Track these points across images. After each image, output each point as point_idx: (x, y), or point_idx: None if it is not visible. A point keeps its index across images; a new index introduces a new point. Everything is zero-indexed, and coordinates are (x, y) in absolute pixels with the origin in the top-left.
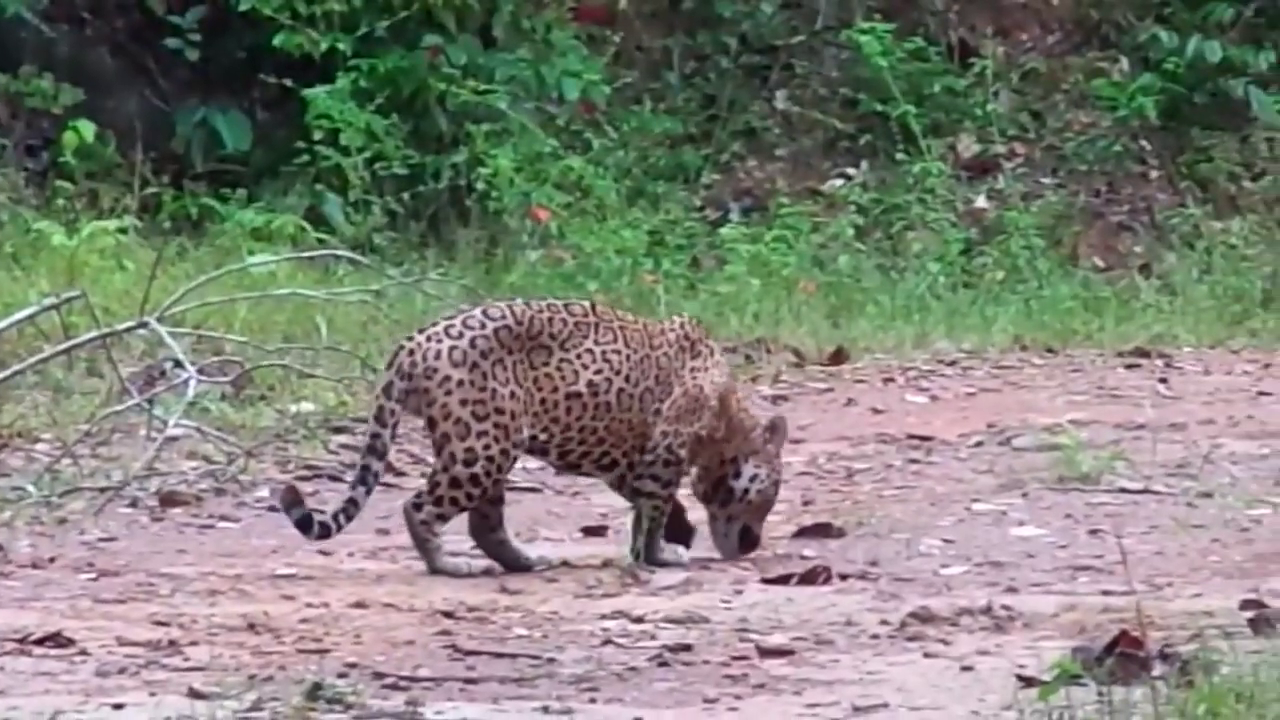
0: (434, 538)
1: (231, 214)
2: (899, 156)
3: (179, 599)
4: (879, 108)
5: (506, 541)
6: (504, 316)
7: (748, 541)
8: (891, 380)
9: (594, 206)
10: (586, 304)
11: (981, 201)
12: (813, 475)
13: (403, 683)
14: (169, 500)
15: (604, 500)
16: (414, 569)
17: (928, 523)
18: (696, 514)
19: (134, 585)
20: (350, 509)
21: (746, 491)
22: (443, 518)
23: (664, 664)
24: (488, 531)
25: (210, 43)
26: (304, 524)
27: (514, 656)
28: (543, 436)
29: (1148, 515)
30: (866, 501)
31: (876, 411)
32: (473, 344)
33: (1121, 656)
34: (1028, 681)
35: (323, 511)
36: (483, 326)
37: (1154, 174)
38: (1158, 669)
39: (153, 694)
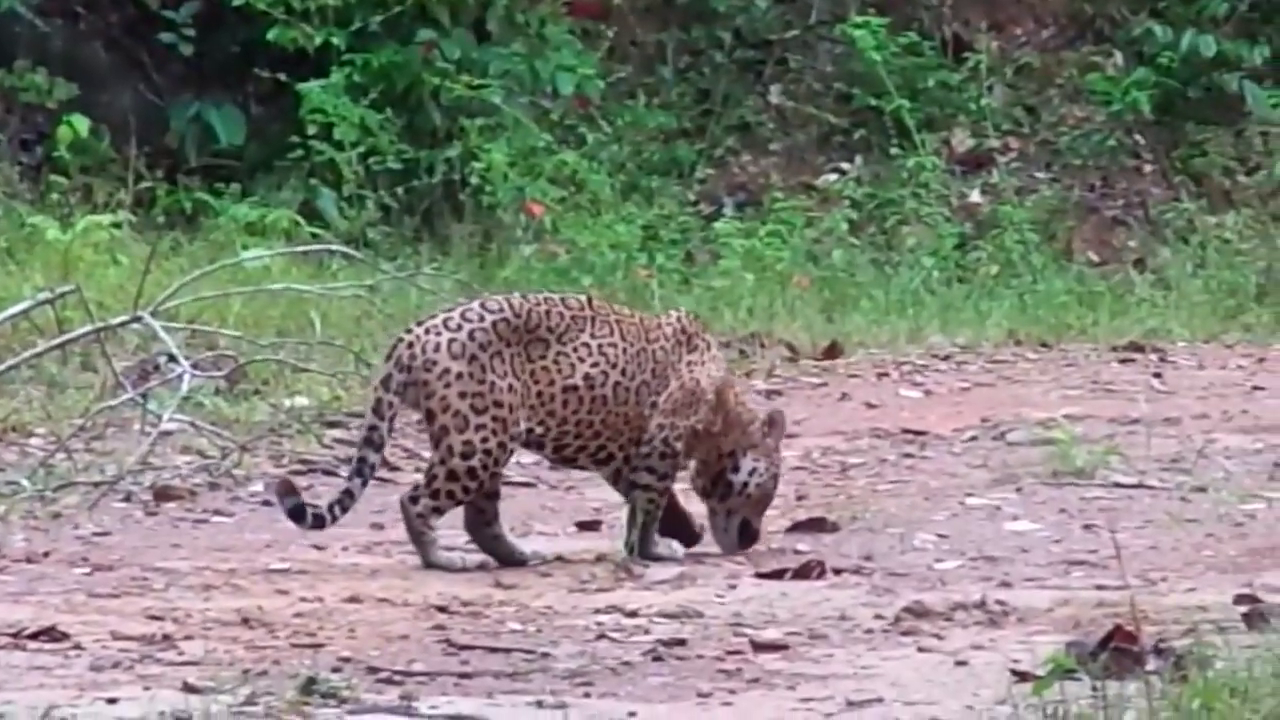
0: (430, 531)
1: (225, 208)
2: (893, 151)
3: (173, 593)
4: (873, 102)
5: (501, 536)
6: (502, 309)
7: (747, 536)
8: (886, 375)
9: (588, 201)
10: (583, 298)
11: (976, 196)
12: (807, 470)
13: (397, 677)
14: (163, 495)
15: (598, 495)
16: (408, 563)
17: (922, 517)
18: (696, 511)
19: (128, 580)
20: (346, 500)
21: (745, 485)
22: (439, 511)
23: (658, 658)
24: (483, 526)
25: (204, 37)
26: (296, 513)
27: (508, 651)
28: (539, 430)
29: (1142, 510)
30: (860, 496)
31: (870, 406)
32: (471, 337)
33: (1116, 651)
34: (1022, 676)
35: (317, 505)
36: (481, 319)
37: (1148, 168)
38: (1152, 664)
39: (147, 688)
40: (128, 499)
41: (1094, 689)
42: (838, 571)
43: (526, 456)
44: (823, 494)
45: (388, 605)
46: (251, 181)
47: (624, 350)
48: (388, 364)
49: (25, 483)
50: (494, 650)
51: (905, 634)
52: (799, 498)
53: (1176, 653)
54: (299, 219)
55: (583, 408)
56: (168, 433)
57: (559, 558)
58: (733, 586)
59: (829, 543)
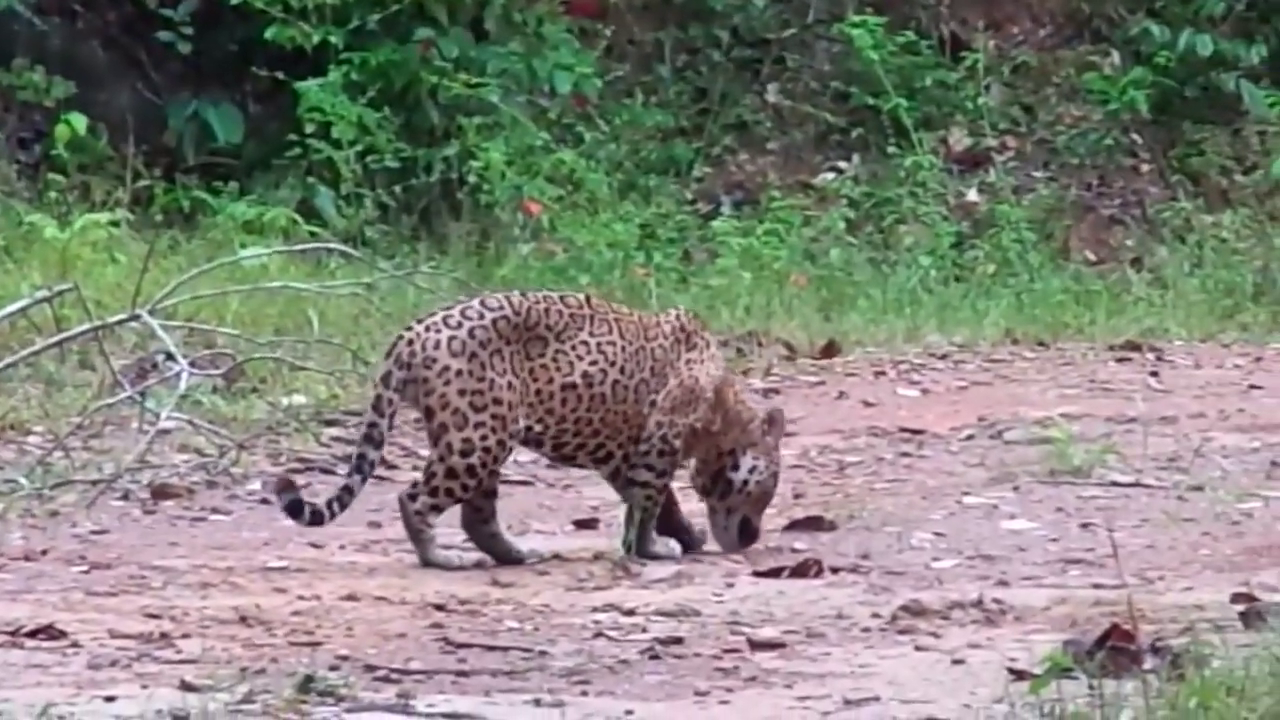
0: (428, 529)
1: (223, 207)
2: (890, 150)
3: (171, 592)
4: (870, 101)
5: (498, 534)
6: (502, 307)
7: (747, 534)
8: (883, 373)
9: (585, 200)
10: (582, 296)
11: (973, 195)
12: (804, 468)
13: (394, 675)
14: (161, 493)
15: (595, 493)
16: (405, 562)
17: (919, 516)
18: (695, 511)
19: (126, 578)
20: (345, 497)
21: (745, 484)
22: (437, 509)
23: (655, 657)
24: (480, 524)
25: (202, 36)
26: (293, 509)
27: (505, 649)
28: (538, 428)
29: (1139, 509)
30: (858, 495)
31: (868, 405)
32: (471, 334)
33: (1113, 650)
34: (1019, 675)
35: (314, 501)
36: (481, 317)
37: (1145, 168)
38: (1149, 662)
39: (144, 686)
40: (125, 497)
41: (1091, 688)
42: (835, 570)
43: (524, 455)
44: (820, 492)
45: (385, 603)
46: (249, 180)
47: (623, 348)
48: (388, 361)
49: (23, 481)
50: (491, 648)
51: (902, 632)
52: (796, 496)
53: (1173, 651)
54: (297, 217)
55: (581, 406)
56: (165, 431)
57: (556, 556)
58: (730, 585)
59: (826, 541)
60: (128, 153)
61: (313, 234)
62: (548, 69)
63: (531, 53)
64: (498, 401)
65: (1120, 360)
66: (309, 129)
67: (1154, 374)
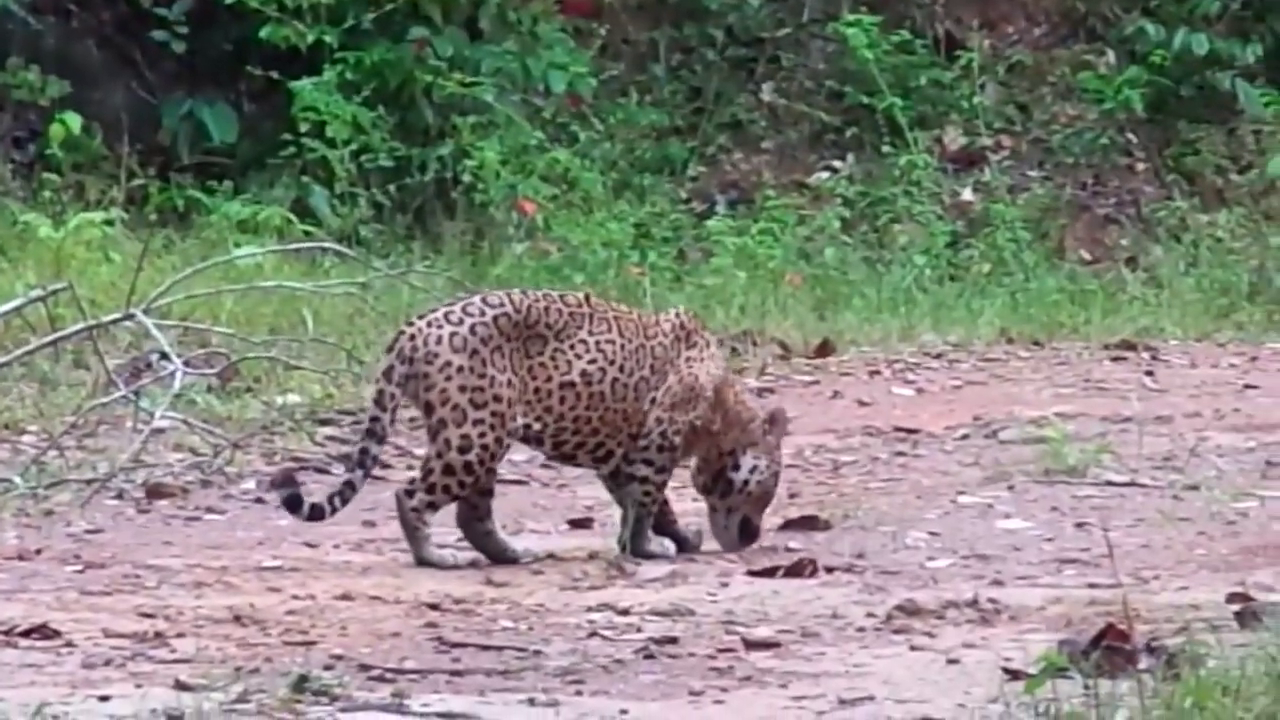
0: (424, 526)
1: (218, 206)
2: (885, 149)
3: (165, 591)
4: (865, 100)
5: (493, 533)
6: (503, 304)
7: (748, 533)
8: (878, 373)
9: (580, 199)
10: (581, 295)
11: (968, 194)
12: (799, 468)
13: (388, 674)
14: (155, 492)
15: (590, 493)
16: (400, 561)
17: (914, 515)
18: (693, 508)
19: (120, 577)
20: (347, 492)
21: (746, 483)
22: (434, 506)
23: (650, 656)
24: (475, 522)
25: (197, 35)
26: (292, 503)
27: (500, 649)
28: (536, 426)
29: (1134, 508)
30: (852, 494)
31: (862, 404)
32: (473, 331)
33: (1108, 649)
34: (1014, 674)
35: (311, 495)
36: (482, 314)
37: (1140, 167)
38: (1144, 662)
39: (139, 686)
40: (120, 496)
41: (1086, 687)
42: (830, 569)
43: (519, 454)
44: (815, 492)
45: (380, 603)
46: (244, 179)
47: (622, 347)
48: (389, 356)
49: (17, 480)
50: (486, 648)
51: (897, 632)
52: (791, 495)
53: (1169, 651)
54: (291, 217)
55: (580, 404)
56: (160, 430)
57: (551, 555)
58: (725, 584)
59: (821, 541)
60: (122, 152)
61: (307, 233)
62: (542, 68)
63: (526, 52)
64: (497, 399)
65: (1115, 360)
66: (303, 128)
67: (1149, 373)
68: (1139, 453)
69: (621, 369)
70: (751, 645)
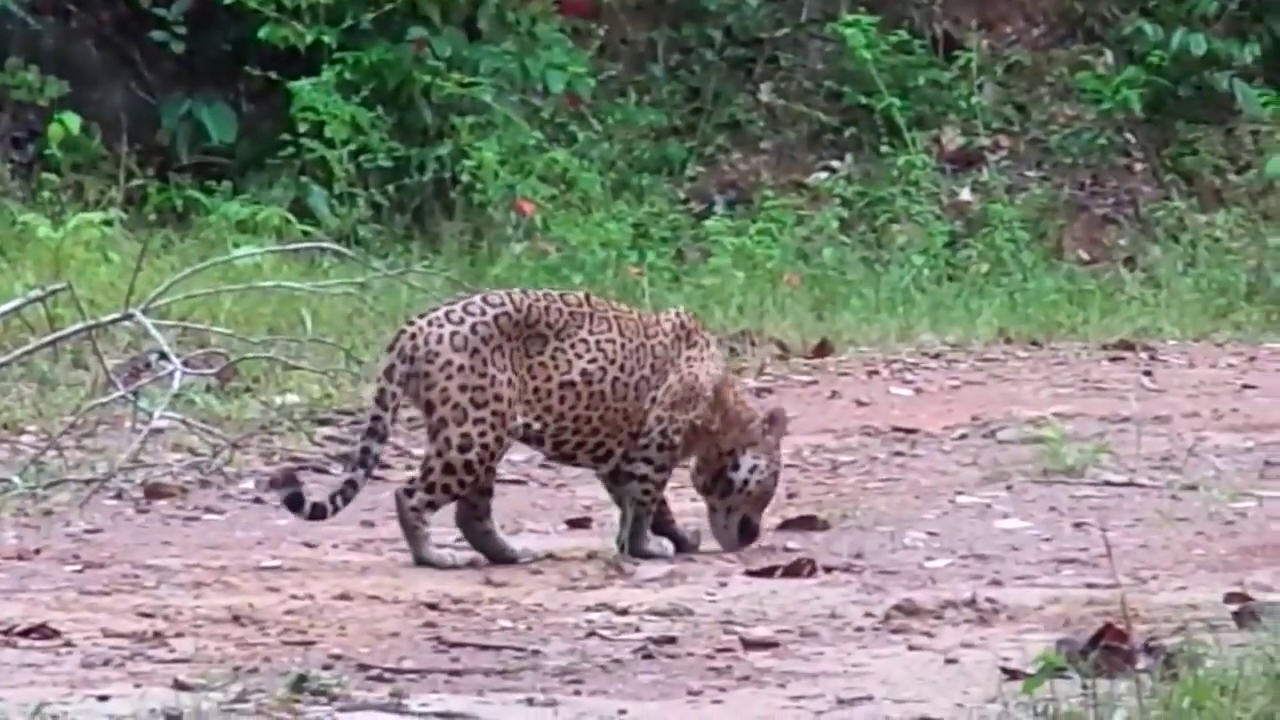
0: (423, 525)
1: (217, 206)
2: (883, 149)
3: (164, 591)
4: (863, 100)
5: (492, 532)
6: (503, 303)
7: (747, 533)
8: (876, 373)
9: (578, 199)
10: (582, 294)
11: (966, 194)
12: (797, 468)
13: (387, 674)
14: (154, 492)
15: (588, 493)
16: (399, 561)
17: (912, 515)
18: (691, 507)
19: (119, 577)
20: (349, 490)
21: (746, 483)
22: (433, 505)
23: (648, 656)
24: (474, 521)
25: (196, 35)
26: (293, 502)
27: (498, 649)
28: (536, 426)
29: (1132, 508)
30: (851, 494)
31: (861, 404)
32: (474, 330)
33: (1106, 649)
34: (1012, 674)
35: (318, 499)
36: (483, 313)
37: (1139, 167)
38: (1142, 662)
39: (138, 685)
40: (119, 496)
41: (1084, 687)
42: (828, 569)
43: (517, 454)
44: (813, 492)
45: (378, 603)
46: (242, 179)
47: (622, 346)
48: (390, 354)
49: (16, 480)
50: (484, 648)
51: (895, 632)
52: (789, 495)
53: (1167, 651)
54: (290, 217)
55: (580, 403)
56: (159, 430)
57: (549, 555)
58: (723, 584)
59: (819, 540)
60: (121, 152)
61: (306, 233)
62: (540, 68)
63: (524, 52)
64: (498, 398)
65: (1114, 360)
66: (302, 128)
67: (1147, 373)
68: (1137, 453)
69: (622, 368)
70: (750, 645)
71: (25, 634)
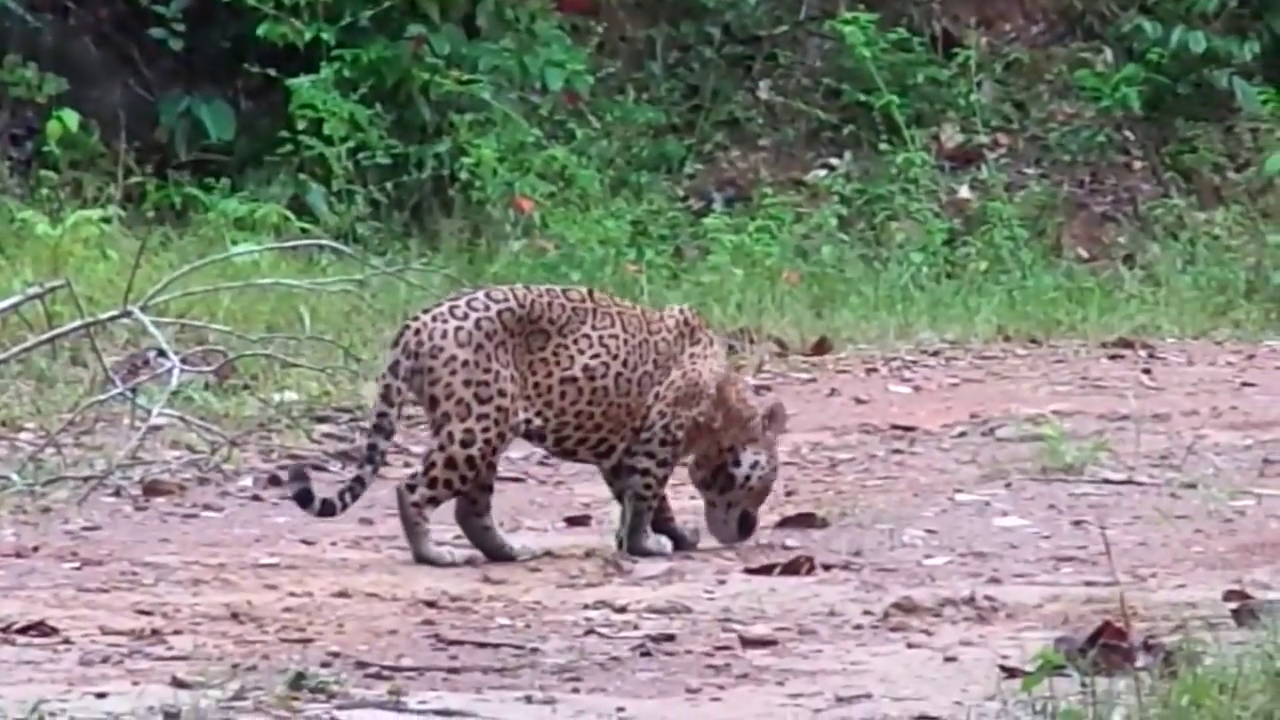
0: (424, 521)
1: (215, 203)
2: (882, 147)
3: (162, 588)
4: (862, 98)
5: (491, 529)
6: (506, 299)
7: (746, 527)
8: (875, 370)
9: (577, 196)
10: (584, 290)
11: (965, 192)
12: (796, 465)
13: (385, 672)
14: (152, 489)
15: (587, 490)
16: (397, 558)
17: (911, 513)
18: (689, 505)
19: (117, 574)
20: (356, 487)
21: (748, 479)
22: (435, 501)
23: (647, 654)
24: (473, 517)
25: (194, 32)
26: (303, 497)
27: (497, 646)
28: (537, 421)
29: (1131, 506)
30: (850, 492)
31: (860, 402)
32: (478, 325)
33: (1105, 647)
34: (1011, 672)
35: (327, 496)
36: (486, 309)
37: (1138, 165)
38: (1141, 660)
39: (136, 683)
40: (117, 494)
41: (1083, 685)
42: (827, 567)
43: (516, 451)
44: (812, 489)
45: (377, 600)
46: (241, 176)
47: (625, 341)
48: (395, 350)
49: (14, 477)
50: (483, 645)
51: (894, 630)
52: (788, 493)
53: (1166, 649)
54: (288, 214)
55: (582, 399)
56: (157, 427)
57: (548, 553)
58: (722, 582)
59: (818, 538)
60: (119, 149)
61: (304, 230)
62: (539, 66)
63: (523, 49)
64: (501, 394)
65: (1113, 357)
66: (301, 126)
67: (1146, 371)
68: (1136, 451)
69: (625, 364)
70: (748, 643)
71: (23, 631)
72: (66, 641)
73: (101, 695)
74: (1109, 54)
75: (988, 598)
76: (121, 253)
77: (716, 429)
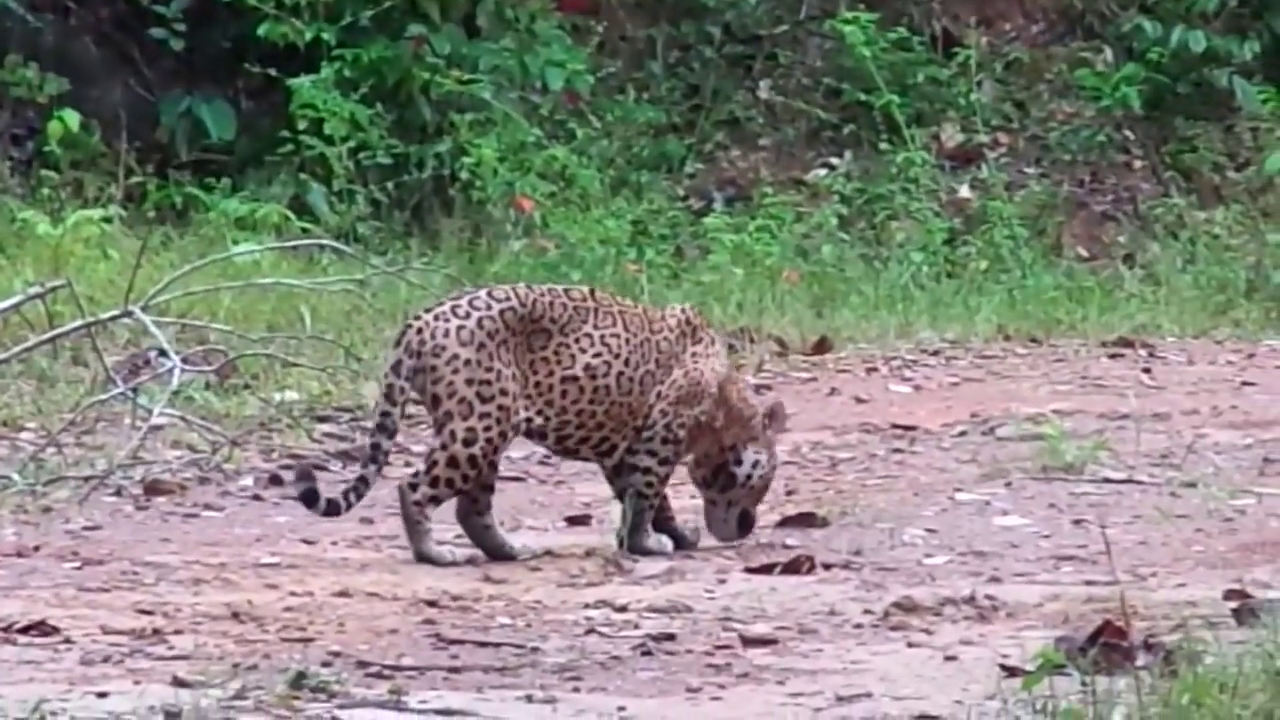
0: (425, 520)
1: (216, 203)
2: (882, 146)
3: (163, 587)
4: (862, 97)
5: (492, 528)
6: (509, 298)
7: (745, 525)
8: (875, 370)
9: (577, 196)
10: (586, 289)
11: (965, 191)
12: (796, 465)
13: (386, 671)
14: (153, 489)
15: (587, 490)
16: (398, 558)
17: (911, 512)
18: (687, 505)
19: (118, 574)
20: (361, 487)
21: (749, 478)
22: (437, 499)
23: (647, 653)
24: (474, 516)
25: (195, 32)
26: (309, 497)
27: (497, 645)
28: (538, 420)
29: (1131, 505)
30: (850, 491)
31: (860, 401)
32: (480, 324)
33: (1105, 646)
34: (1011, 671)
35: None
36: (489, 308)
37: (1138, 164)
38: (1141, 659)
39: (137, 682)
40: (118, 493)
41: (1083, 684)
42: (827, 566)
43: (516, 451)
44: (812, 489)
45: (377, 600)
46: (242, 176)
47: (627, 340)
48: (398, 349)
49: (16, 477)
50: (483, 645)
51: (894, 629)
52: (788, 492)
53: (1166, 648)
54: (289, 214)
55: (584, 398)
56: (158, 427)
57: (548, 552)
58: (722, 581)
59: (818, 538)
60: (120, 149)
61: (305, 230)
62: (540, 65)
63: (523, 49)
64: (504, 393)
65: (1113, 357)
66: (301, 125)
67: (1147, 370)
68: (1136, 450)
69: (627, 363)
70: (749, 642)
71: (24, 631)
72: (67, 641)
73: (102, 695)
74: (1109, 53)
75: (988, 597)
76: (122, 252)
77: (718, 428)
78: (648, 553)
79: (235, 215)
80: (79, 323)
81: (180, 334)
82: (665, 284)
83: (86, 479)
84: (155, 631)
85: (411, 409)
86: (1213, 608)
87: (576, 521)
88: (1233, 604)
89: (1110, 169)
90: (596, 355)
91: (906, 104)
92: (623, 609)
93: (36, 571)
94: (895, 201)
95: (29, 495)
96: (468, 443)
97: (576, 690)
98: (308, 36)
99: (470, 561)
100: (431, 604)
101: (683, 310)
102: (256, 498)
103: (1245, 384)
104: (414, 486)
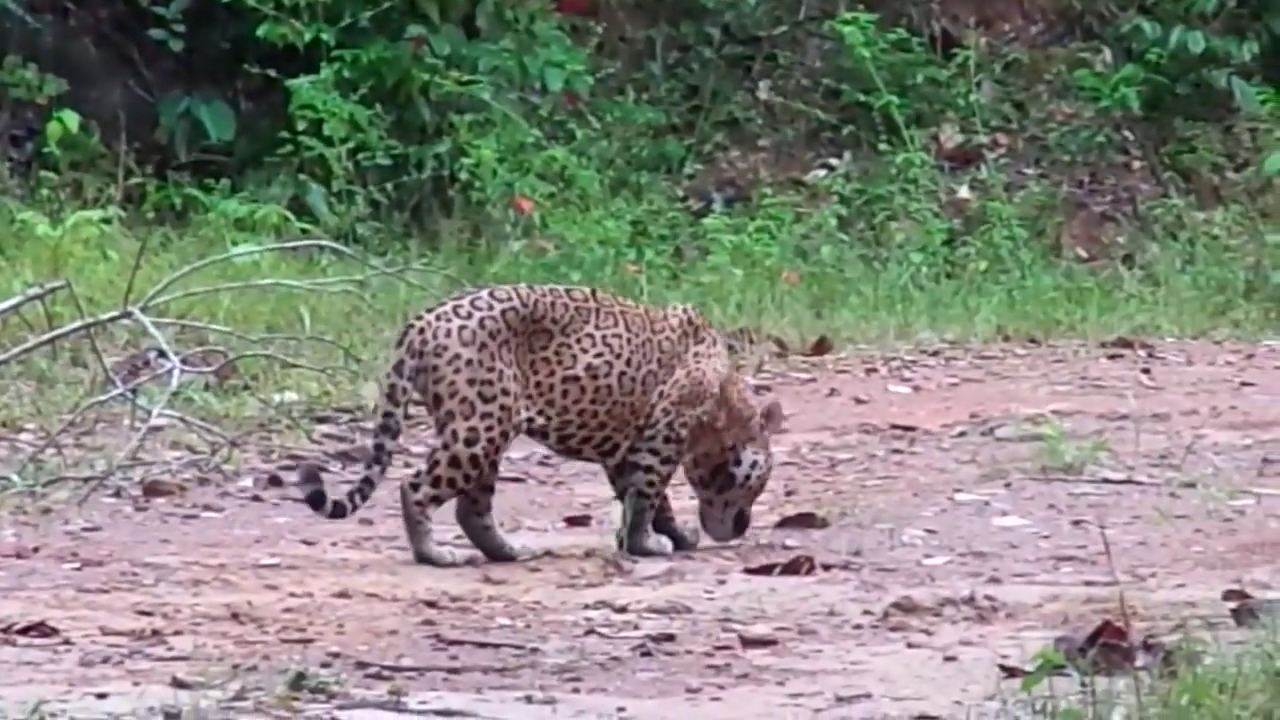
0: (426, 520)
1: (215, 204)
2: (882, 147)
3: (163, 588)
4: (862, 98)
5: (491, 528)
6: (510, 298)
7: (741, 524)
8: (874, 370)
9: (577, 197)
10: (587, 290)
11: (964, 192)
12: (796, 465)
13: (386, 672)
14: (153, 490)
15: (587, 491)
16: (397, 558)
17: (911, 513)
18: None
19: (118, 575)
20: (365, 488)
21: (748, 478)
22: (438, 499)
23: (647, 654)
24: (474, 516)
25: (194, 33)
26: (315, 499)
27: (497, 646)
28: (540, 420)
29: (1131, 506)
30: (849, 492)
31: (859, 402)
32: (481, 324)
33: (1105, 647)
34: (1011, 672)
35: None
36: (490, 308)
37: (1137, 164)
38: (1141, 659)
39: (136, 683)
40: (117, 494)
41: (1083, 685)
42: (826, 567)
43: (516, 451)
44: (811, 489)
45: (377, 600)
46: (241, 177)
47: (628, 340)
48: (400, 350)
49: (15, 478)
50: (483, 645)
51: (894, 629)
52: (788, 493)
53: (1165, 649)
54: (288, 214)
55: (585, 398)
56: (157, 428)
57: (548, 553)
58: (722, 582)
59: (818, 538)
60: (119, 150)
61: (304, 231)
62: (539, 66)
63: (523, 50)
64: (505, 393)
65: (1112, 357)
66: (300, 126)
67: (1146, 371)
68: (1136, 450)
69: (628, 363)
70: (748, 643)
71: (24, 632)
72: (67, 642)
73: (102, 696)
74: (1108, 54)
75: (988, 597)
76: (122, 253)
77: (719, 428)
78: (647, 553)
79: (234, 216)
80: (78, 324)
81: (179, 335)
82: (665, 285)
83: (86, 480)
84: (155, 632)
85: (413, 410)
86: (1212, 608)
87: (576, 522)
88: (1232, 604)
89: (1109, 170)
90: (598, 355)
91: (906, 105)
92: (622, 610)
93: (36, 572)
94: (894, 202)
95: (28, 496)
96: (469, 442)
97: (576, 691)
98: (307, 37)
99: (470, 562)
100: (431, 605)
101: (684, 310)
102: (256, 499)
103: (1244, 384)
104: (415, 486)
